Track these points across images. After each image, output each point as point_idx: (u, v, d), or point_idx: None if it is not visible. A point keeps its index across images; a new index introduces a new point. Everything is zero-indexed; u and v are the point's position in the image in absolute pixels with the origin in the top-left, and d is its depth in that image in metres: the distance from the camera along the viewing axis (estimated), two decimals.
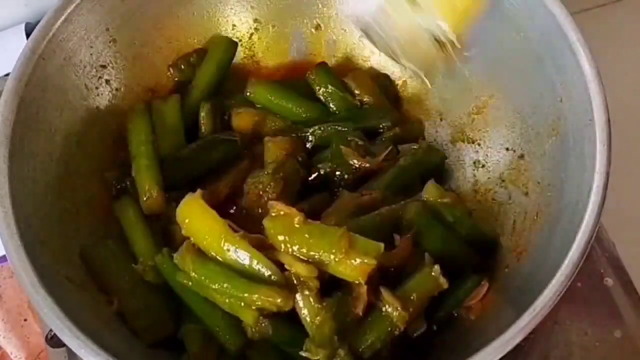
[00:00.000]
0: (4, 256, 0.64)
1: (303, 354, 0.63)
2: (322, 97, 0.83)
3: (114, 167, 0.78)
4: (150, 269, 0.70)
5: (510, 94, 0.77)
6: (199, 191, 0.67)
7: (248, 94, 0.83)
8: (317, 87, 0.83)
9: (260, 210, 0.71)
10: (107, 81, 0.79)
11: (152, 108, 0.80)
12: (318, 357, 0.62)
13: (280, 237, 0.64)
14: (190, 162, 0.78)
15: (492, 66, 0.79)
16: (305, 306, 0.63)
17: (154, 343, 0.68)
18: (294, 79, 0.86)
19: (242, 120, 0.81)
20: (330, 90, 0.82)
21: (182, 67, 0.84)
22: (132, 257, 0.71)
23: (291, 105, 0.82)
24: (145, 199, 0.73)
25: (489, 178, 0.79)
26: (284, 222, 0.64)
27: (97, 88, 0.78)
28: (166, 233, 0.73)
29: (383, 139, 0.80)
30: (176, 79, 0.85)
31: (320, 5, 0.86)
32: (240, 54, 0.88)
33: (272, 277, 0.63)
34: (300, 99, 0.83)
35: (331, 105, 0.83)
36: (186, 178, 0.76)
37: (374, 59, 0.88)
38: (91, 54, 0.76)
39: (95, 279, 0.70)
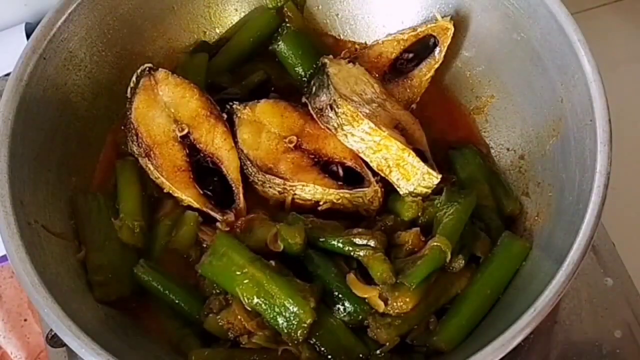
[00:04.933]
0: (4, 256, 0.64)
1: None
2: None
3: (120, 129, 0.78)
4: (127, 228, 0.71)
5: (510, 94, 0.77)
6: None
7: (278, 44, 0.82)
8: None
9: None
10: (108, 81, 0.79)
11: (177, 63, 0.82)
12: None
13: None
14: None
15: (492, 66, 0.79)
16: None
17: (107, 302, 0.68)
18: None
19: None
20: None
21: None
22: (116, 214, 0.73)
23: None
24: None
25: None
26: None
27: (97, 88, 0.78)
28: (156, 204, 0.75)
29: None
30: (201, 40, 0.85)
31: None
32: None
33: None
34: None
35: None
36: None
37: None
38: (92, 54, 0.76)
39: (76, 227, 0.71)
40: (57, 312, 0.59)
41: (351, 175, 0.74)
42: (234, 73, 0.84)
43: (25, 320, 0.86)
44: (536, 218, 0.72)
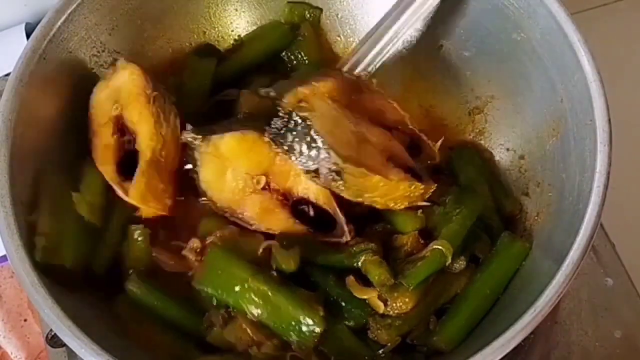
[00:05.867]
0: (4, 256, 0.64)
1: None
2: None
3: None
4: (87, 203, 0.70)
5: (510, 94, 0.77)
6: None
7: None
8: None
9: None
10: None
11: (186, 64, 0.83)
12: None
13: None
14: None
15: (492, 66, 0.79)
16: None
17: (48, 270, 0.65)
18: None
19: None
20: None
21: None
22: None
23: None
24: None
25: None
26: None
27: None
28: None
29: None
30: (205, 32, 0.85)
31: None
32: None
33: None
34: None
35: None
36: None
37: None
38: (92, 54, 0.76)
39: (39, 196, 0.69)
40: (57, 312, 0.59)
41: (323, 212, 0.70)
42: (241, 83, 0.82)
43: (25, 320, 0.86)
44: (536, 218, 0.72)
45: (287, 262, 0.65)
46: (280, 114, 0.66)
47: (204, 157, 0.69)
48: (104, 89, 0.74)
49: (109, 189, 0.72)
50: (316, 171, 0.65)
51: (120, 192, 0.70)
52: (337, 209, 0.68)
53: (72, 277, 0.67)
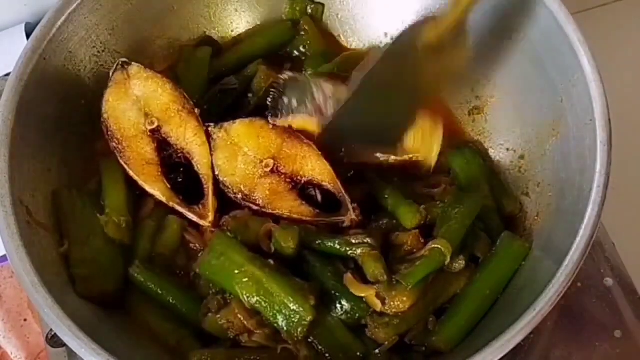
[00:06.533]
0: (4, 256, 0.64)
1: None
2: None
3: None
4: (113, 223, 0.71)
5: (510, 94, 0.77)
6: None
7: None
8: None
9: None
10: (107, 81, 0.79)
11: (181, 55, 0.83)
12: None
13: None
14: None
15: (492, 66, 0.79)
16: None
17: (90, 298, 0.67)
18: None
19: None
20: None
21: None
22: (101, 210, 0.72)
23: None
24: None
25: None
26: None
27: (97, 88, 0.78)
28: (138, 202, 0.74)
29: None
30: (205, 32, 0.86)
31: None
32: None
33: None
34: None
35: None
36: None
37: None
38: (92, 54, 0.77)
39: (59, 221, 0.70)
40: (57, 312, 0.59)
41: (329, 196, 0.72)
42: (239, 74, 0.83)
43: (25, 320, 0.86)
44: (536, 218, 0.72)
45: (286, 239, 0.67)
46: (271, 91, 0.73)
47: (217, 143, 0.73)
48: (122, 97, 0.73)
49: (131, 203, 0.73)
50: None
51: (194, 218, 0.71)
52: (342, 189, 0.71)
53: (113, 297, 0.69)
